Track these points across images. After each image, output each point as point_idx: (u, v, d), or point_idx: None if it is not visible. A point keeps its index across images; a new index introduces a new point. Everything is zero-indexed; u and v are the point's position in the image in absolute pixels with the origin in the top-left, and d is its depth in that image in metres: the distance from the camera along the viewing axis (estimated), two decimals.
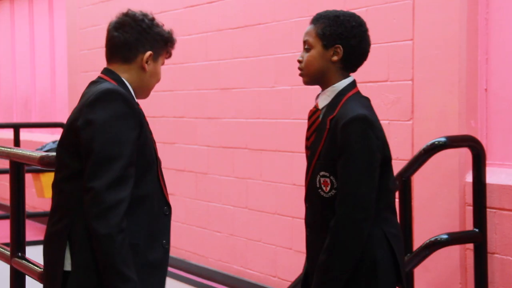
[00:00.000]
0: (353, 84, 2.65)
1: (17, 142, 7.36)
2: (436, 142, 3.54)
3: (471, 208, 3.68)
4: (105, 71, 2.62)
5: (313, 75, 2.66)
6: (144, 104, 7.11)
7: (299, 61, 2.70)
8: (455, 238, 3.64)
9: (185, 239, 5.87)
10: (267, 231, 5.10)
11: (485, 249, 3.64)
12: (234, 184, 5.37)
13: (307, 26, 2.69)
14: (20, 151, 3.41)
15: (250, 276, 5.25)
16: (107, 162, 2.34)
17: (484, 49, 3.77)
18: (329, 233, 2.53)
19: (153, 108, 6.16)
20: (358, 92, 2.65)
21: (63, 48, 8.13)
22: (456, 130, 3.75)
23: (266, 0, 5.05)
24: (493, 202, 3.64)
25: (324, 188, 2.59)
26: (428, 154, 3.54)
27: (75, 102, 8.64)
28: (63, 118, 7.96)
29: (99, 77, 2.62)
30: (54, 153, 3.26)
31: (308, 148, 2.69)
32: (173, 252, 5.81)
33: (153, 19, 2.64)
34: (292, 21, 4.84)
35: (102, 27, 6.79)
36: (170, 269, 5.75)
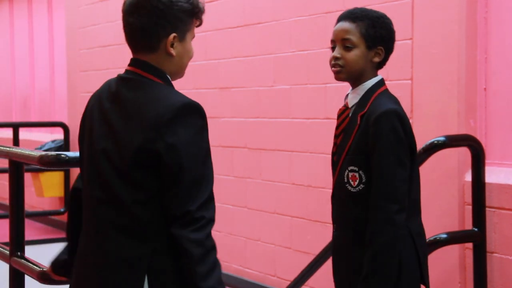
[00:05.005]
0: (382, 82, 2.71)
1: (16, 141, 7.37)
2: (435, 141, 3.54)
3: (470, 207, 3.68)
4: (142, 65, 2.26)
5: (353, 74, 2.69)
6: None
7: (337, 58, 2.68)
8: (454, 238, 3.64)
9: None
10: (266, 230, 5.10)
11: (484, 248, 3.64)
12: (233, 183, 5.37)
13: (343, 23, 2.67)
14: (19, 151, 3.41)
15: (249, 275, 5.25)
16: (199, 184, 2.23)
17: (483, 48, 3.77)
18: (367, 228, 2.57)
19: None
20: (387, 90, 2.71)
21: (62, 48, 8.12)
22: (455, 130, 3.75)
23: None
24: (492, 202, 3.64)
25: (352, 183, 2.63)
26: (427, 153, 3.55)
27: (74, 101, 8.63)
28: (62, 118, 7.96)
29: (135, 73, 2.26)
30: (53, 153, 3.26)
31: (336, 145, 2.73)
32: None
33: None
34: (291, 21, 4.84)
35: (102, 26, 6.79)
36: None
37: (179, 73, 2.38)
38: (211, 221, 2.23)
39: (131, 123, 2.17)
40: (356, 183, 2.62)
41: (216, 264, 2.21)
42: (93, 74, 6.99)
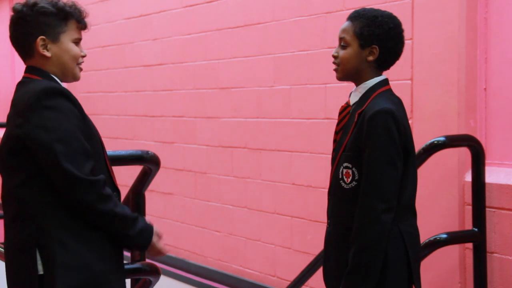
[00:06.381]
0: (385, 82, 2.73)
1: None
2: (435, 142, 3.54)
3: (470, 207, 3.68)
4: (27, 69, 2.54)
5: (347, 72, 2.72)
6: (143, 103, 7.11)
7: (334, 57, 2.74)
8: (454, 238, 3.64)
9: (184, 239, 5.87)
10: (266, 231, 5.10)
11: (484, 248, 3.64)
12: (233, 183, 5.37)
13: (345, 23, 2.73)
14: None
15: (249, 276, 5.25)
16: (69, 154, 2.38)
17: (483, 48, 3.77)
18: (353, 225, 2.58)
19: (152, 108, 6.15)
20: (389, 90, 2.73)
21: None
22: (455, 130, 3.75)
23: None
24: (492, 202, 3.64)
25: (345, 179, 2.64)
26: (427, 154, 3.55)
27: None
28: None
29: (24, 76, 2.54)
30: None
31: (335, 142, 2.75)
32: (172, 252, 5.81)
33: (34, 4, 2.48)
34: (291, 21, 4.84)
35: (101, 26, 6.79)
36: (169, 268, 5.76)
37: (66, 73, 2.56)
38: (101, 180, 2.40)
39: (10, 117, 2.45)
40: (349, 179, 2.63)
41: (116, 200, 2.44)
42: (93, 74, 6.99)
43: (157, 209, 6.08)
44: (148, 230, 2.51)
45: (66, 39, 2.51)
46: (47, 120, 2.34)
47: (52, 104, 2.36)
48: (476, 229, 3.63)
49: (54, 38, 2.49)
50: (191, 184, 5.82)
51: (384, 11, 2.76)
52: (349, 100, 2.75)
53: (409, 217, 2.70)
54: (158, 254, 2.57)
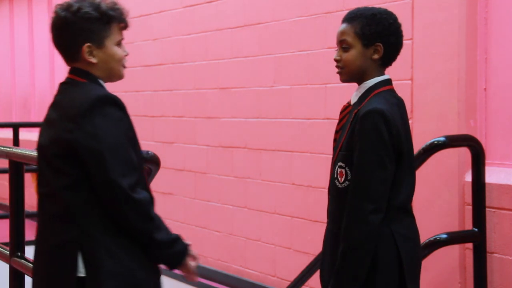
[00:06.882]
0: (386, 82, 2.72)
1: (16, 141, 7.35)
2: (435, 142, 3.54)
3: (470, 207, 3.68)
4: (72, 70, 2.52)
5: (354, 74, 2.70)
6: (143, 103, 7.13)
7: (337, 60, 2.71)
8: (454, 238, 3.64)
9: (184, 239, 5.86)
10: (266, 231, 5.10)
11: (484, 248, 3.63)
12: (233, 183, 5.37)
13: (341, 25, 2.72)
14: (20, 151, 3.42)
15: (249, 276, 5.25)
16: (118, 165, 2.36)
17: (483, 48, 3.77)
18: (342, 224, 2.58)
19: (152, 108, 6.15)
20: (390, 90, 2.72)
21: None
22: (455, 130, 3.75)
23: None
24: (492, 202, 3.64)
25: (339, 179, 2.64)
26: (427, 154, 3.54)
27: None
28: None
29: (68, 77, 2.51)
30: None
31: (335, 141, 2.75)
32: None
33: (78, 9, 2.41)
34: (291, 21, 4.84)
35: None
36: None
37: (111, 76, 2.53)
38: (147, 198, 2.41)
39: (57, 118, 2.42)
40: (343, 179, 2.62)
41: (159, 219, 2.45)
42: None
43: (157, 209, 6.07)
44: (182, 252, 2.50)
45: (110, 43, 2.46)
46: (99, 128, 2.32)
47: (105, 113, 2.34)
48: (476, 229, 3.63)
49: (100, 43, 2.44)
50: (191, 184, 5.82)
51: (380, 8, 2.74)
52: (350, 100, 2.75)
53: (404, 218, 2.66)
54: (189, 277, 2.54)
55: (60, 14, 2.43)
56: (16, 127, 7.51)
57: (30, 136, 8.54)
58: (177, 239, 2.48)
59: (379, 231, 2.55)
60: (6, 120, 9.50)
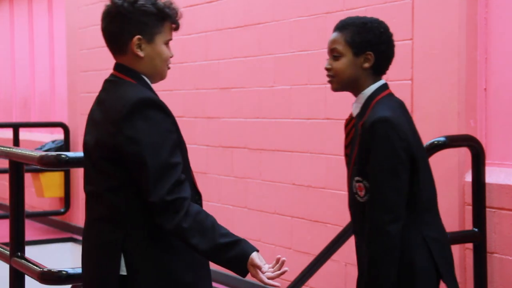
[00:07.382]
0: (383, 87, 2.70)
1: (16, 141, 7.37)
2: (436, 142, 3.54)
3: (470, 207, 3.68)
4: (117, 67, 2.50)
5: (345, 83, 2.69)
6: None
7: (328, 69, 2.71)
8: (454, 238, 3.63)
9: None
10: (267, 231, 5.10)
11: (484, 248, 3.64)
12: (233, 183, 5.37)
13: (332, 34, 2.72)
14: (20, 151, 3.42)
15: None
16: (163, 171, 2.33)
17: (484, 48, 3.77)
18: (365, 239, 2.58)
19: None
20: (389, 95, 2.70)
21: (63, 48, 8.12)
22: (455, 130, 3.75)
23: None
24: (493, 202, 3.64)
25: (359, 193, 2.64)
26: (427, 154, 3.54)
27: (74, 102, 8.64)
28: (63, 118, 7.96)
29: (113, 75, 2.49)
30: (53, 153, 3.27)
31: (347, 156, 2.74)
32: None
33: (136, 0, 2.40)
34: (291, 21, 4.84)
35: None
36: None
37: (155, 75, 2.51)
38: (184, 199, 2.33)
39: (102, 120, 2.40)
40: (363, 193, 2.61)
41: (200, 226, 2.33)
42: (93, 74, 6.99)
43: None
44: (239, 259, 2.38)
45: (160, 41, 2.44)
46: (140, 132, 2.30)
47: (146, 116, 2.32)
48: (476, 229, 3.63)
49: (150, 38, 2.42)
50: None
51: (371, 17, 2.74)
52: (352, 112, 2.74)
53: (432, 219, 2.68)
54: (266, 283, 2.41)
55: (117, 3, 2.42)
56: (16, 127, 7.52)
57: (30, 136, 8.55)
58: (225, 245, 2.32)
59: (409, 237, 2.56)
60: (6, 120, 9.50)
